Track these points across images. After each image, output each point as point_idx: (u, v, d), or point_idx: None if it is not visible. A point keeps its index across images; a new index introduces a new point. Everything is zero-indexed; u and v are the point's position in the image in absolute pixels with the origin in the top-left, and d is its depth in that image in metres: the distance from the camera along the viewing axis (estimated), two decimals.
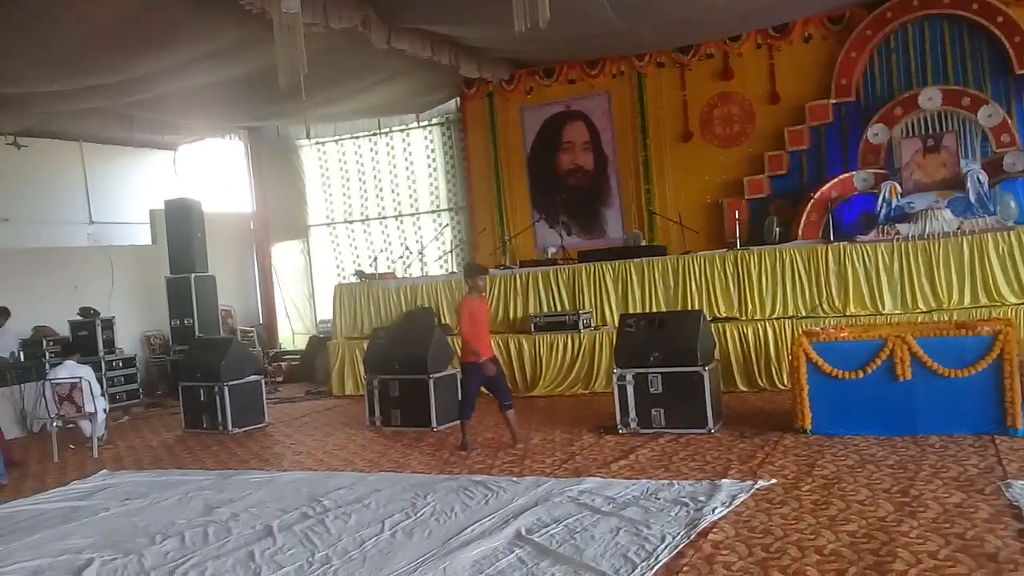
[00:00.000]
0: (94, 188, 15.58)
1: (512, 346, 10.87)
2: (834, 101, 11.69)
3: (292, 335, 16.68)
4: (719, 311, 10.07)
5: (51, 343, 11.94)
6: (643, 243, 12.09)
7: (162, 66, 10.03)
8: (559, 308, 11.02)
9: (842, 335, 7.59)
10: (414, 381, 9.02)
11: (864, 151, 11.30)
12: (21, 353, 11.65)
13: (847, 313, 9.47)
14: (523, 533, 5.08)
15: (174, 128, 14.82)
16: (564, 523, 5.22)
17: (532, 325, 10.88)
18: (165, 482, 7.55)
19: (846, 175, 11.12)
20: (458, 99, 14.50)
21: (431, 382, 8.94)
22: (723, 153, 12.56)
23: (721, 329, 9.63)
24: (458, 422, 8.98)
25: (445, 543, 5.06)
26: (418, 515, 5.71)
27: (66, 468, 8.61)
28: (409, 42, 10.74)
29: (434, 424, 8.88)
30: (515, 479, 6.46)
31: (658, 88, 12.94)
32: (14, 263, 12.68)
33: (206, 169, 17.25)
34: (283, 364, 14.88)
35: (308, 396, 12.40)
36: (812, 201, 11.11)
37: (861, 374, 6.89)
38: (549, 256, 12.43)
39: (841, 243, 9.71)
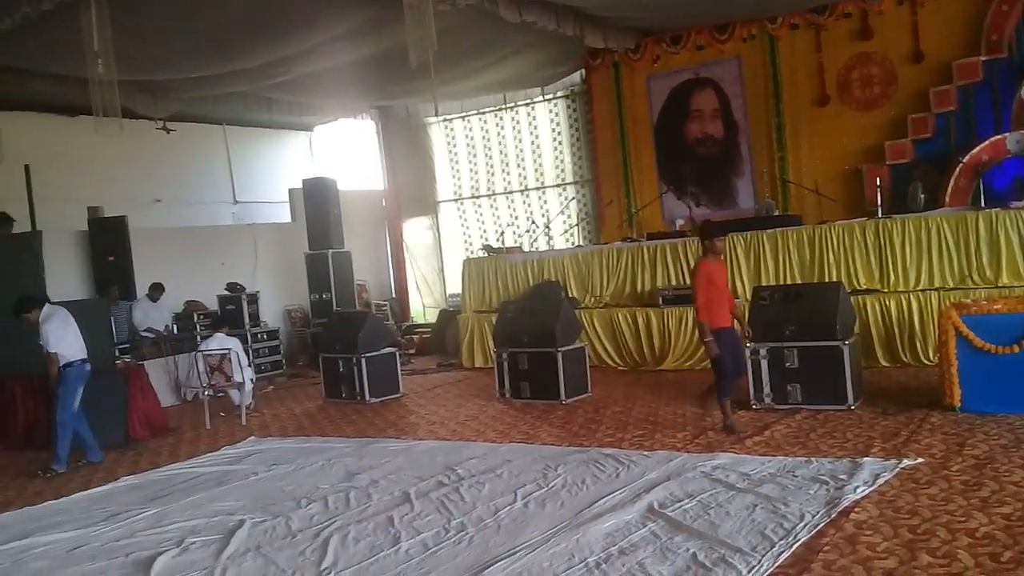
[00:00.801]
0: (237, 169, 16.42)
1: (640, 320, 10.78)
2: (984, 58, 10.95)
3: (423, 308, 17.11)
4: (859, 283, 9.65)
5: (201, 316, 12.67)
6: (776, 213, 11.69)
7: (299, 48, 10.41)
8: (687, 281, 10.82)
9: (995, 307, 7.12)
10: (543, 354, 9.09)
11: (1017, 111, 10.56)
12: (175, 326, 12.40)
13: (999, 284, 8.89)
14: (655, 507, 5.07)
15: (310, 109, 15.40)
16: (697, 498, 5.16)
17: (660, 298, 10.75)
18: (308, 449, 7.91)
19: (997, 137, 10.43)
20: (583, 71, 14.41)
21: (559, 355, 8.98)
22: (862, 117, 11.99)
23: (861, 302, 9.23)
24: (587, 395, 9.06)
25: (577, 515, 5.10)
26: (550, 486, 5.77)
27: (217, 434, 9.14)
28: (535, 14, 10.72)
29: (562, 397, 8.93)
30: (646, 453, 6.43)
31: (792, 51, 12.46)
32: (166, 241, 13.50)
33: (340, 149, 17.84)
34: (415, 337, 15.28)
35: (439, 368, 12.70)
36: (960, 166, 10.47)
37: (1016, 349, 6.47)
38: (677, 228, 12.21)
39: (993, 209, 9.10)
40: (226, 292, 13.25)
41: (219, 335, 10.14)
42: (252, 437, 8.74)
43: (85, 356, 8.09)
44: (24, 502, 6.86)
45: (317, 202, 13.89)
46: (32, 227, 9.90)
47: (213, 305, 13.18)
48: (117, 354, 10.15)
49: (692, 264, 7.82)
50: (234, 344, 9.96)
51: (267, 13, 9.09)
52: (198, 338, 11.55)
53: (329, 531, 5.28)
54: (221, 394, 10.19)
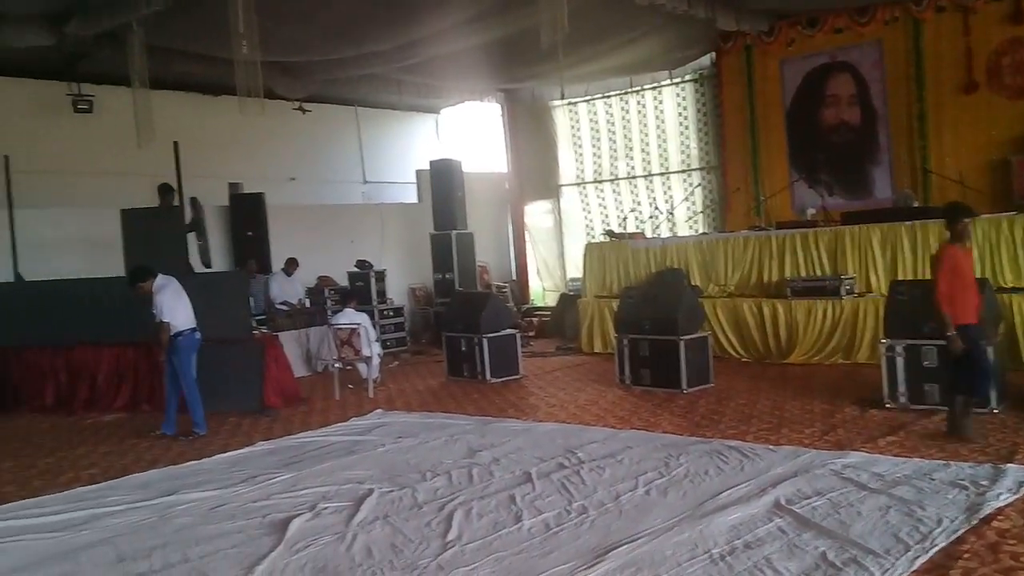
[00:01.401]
0: (368, 150, 16.91)
1: (766, 311, 10.52)
2: None
3: (543, 292, 17.21)
4: (1004, 280, 9.13)
5: (332, 292, 13.16)
6: (915, 204, 11.15)
7: (430, 31, 10.60)
8: (819, 273, 10.50)
9: None
10: (664, 342, 9.01)
11: None
12: (307, 300, 12.91)
13: None
14: (782, 503, 4.97)
15: (438, 92, 15.67)
16: (827, 496, 5.03)
17: (788, 290, 10.46)
18: (432, 424, 8.12)
19: None
20: (713, 54, 14.08)
21: (681, 344, 8.88)
22: (1013, 105, 11.28)
23: (1007, 300, 8.73)
24: (709, 385, 8.93)
25: (700, 505, 5.06)
26: (671, 475, 5.74)
27: (345, 406, 9.48)
28: None
29: (684, 386, 8.83)
30: (772, 447, 6.30)
31: (937, 34, 11.82)
32: (301, 218, 14.06)
33: (466, 131, 18.09)
34: (534, 320, 15.38)
35: (558, 351, 12.75)
36: None
37: None
38: (808, 217, 11.81)
39: None
40: (355, 269, 13.70)
41: (349, 310, 10.50)
42: (379, 410, 9.02)
43: (195, 325, 8.35)
44: (168, 462, 7.31)
45: (443, 184, 14.15)
46: (179, 201, 10.48)
47: (343, 281, 13.65)
48: (254, 325, 10.63)
49: (935, 250, 7.07)
50: (363, 319, 10.30)
51: None
52: (329, 312, 11.99)
53: (453, 505, 5.42)
54: (349, 367, 10.53)
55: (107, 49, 10.45)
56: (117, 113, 11.79)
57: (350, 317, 10.29)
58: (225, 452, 7.49)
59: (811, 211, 12.01)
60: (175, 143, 10.22)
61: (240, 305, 10.02)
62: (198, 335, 8.39)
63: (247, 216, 12.82)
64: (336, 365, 10.26)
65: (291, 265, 12.56)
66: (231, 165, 13.72)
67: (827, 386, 8.64)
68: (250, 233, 12.68)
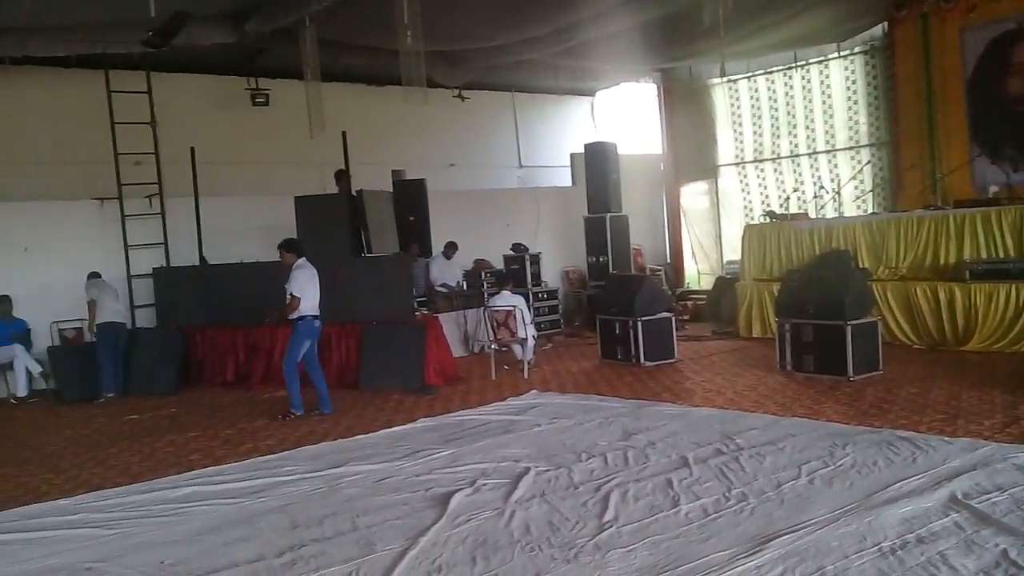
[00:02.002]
0: (523, 134, 17.11)
1: (942, 295, 9.91)
2: None
3: (698, 275, 16.88)
4: None
5: (488, 274, 13.43)
6: None
7: (589, 13, 10.56)
8: (1001, 255, 9.77)
9: None
10: (829, 327, 8.65)
11: None
12: (465, 282, 13.25)
13: None
14: (959, 497, 4.69)
15: (594, 75, 15.63)
16: (1008, 492, 4.71)
17: (967, 273, 9.80)
18: (586, 406, 8.16)
19: None
20: (885, 24, 13.29)
21: (849, 329, 8.49)
22: None
23: None
24: (878, 373, 8.52)
25: (868, 496, 4.85)
26: (837, 465, 5.52)
27: (501, 386, 9.68)
28: None
29: (850, 373, 8.45)
30: (947, 439, 5.95)
31: None
32: (459, 203, 14.41)
33: (621, 113, 17.95)
34: (689, 303, 15.14)
35: (714, 336, 12.51)
36: None
37: None
38: (990, 195, 10.99)
39: None
40: (511, 252, 13.91)
41: (505, 292, 10.69)
42: (534, 391, 9.15)
43: (317, 313, 8.53)
44: (337, 435, 7.71)
45: (597, 166, 14.09)
46: (348, 188, 10.98)
47: (498, 264, 13.90)
48: (415, 307, 11.01)
49: None
50: (519, 301, 10.46)
51: None
52: (485, 295, 12.25)
53: (609, 486, 5.44)
54: (505, 348, 10.74)
55: (282, 44, 11.07)
56: (290, 105, 12.47)
57: (507, 299, 10.47)
58: (389, 428, 7.82)
59: (994, 188, 11.18)
60: (343, 133, 10.69)
61: (404, 288, 10.40)
62: (318, 323, 8.60)
63: (409, 202, 13.25)
64: (492, 346, 10.48)
65: (450, 249, 12.92)
66: (394, 152, 14.21)
67: (1009, 375, 8.06)
68: (412, 218, 13.10)
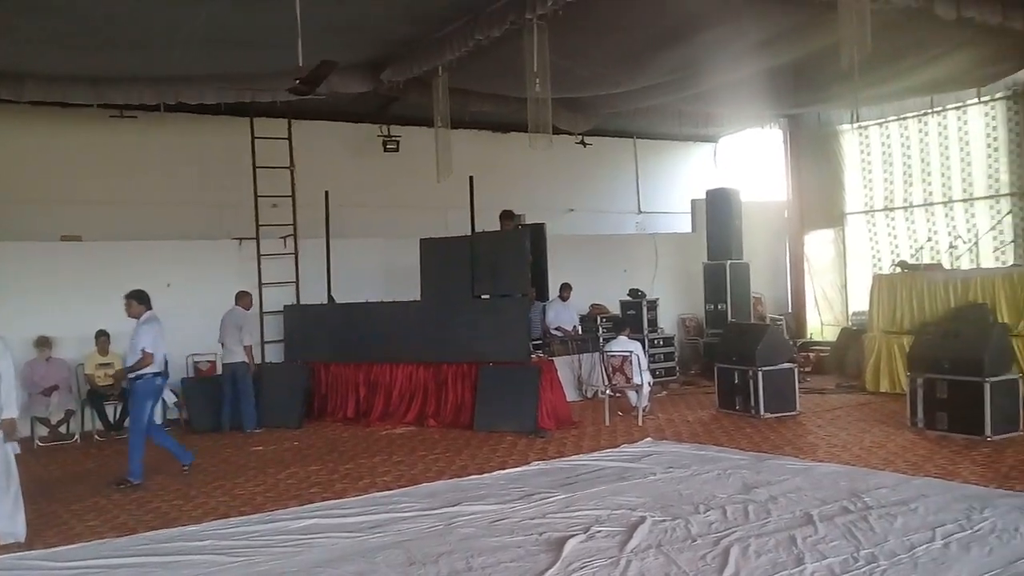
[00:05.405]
0: (643, 180, 17.10)
1: None
2: None
3: (820, 325, 16.32)
4: None
5: (604, 319, 13.39)
6: None
7: (716, 60, 10.52)
8: None
9: None
10: (966, 383, 8.22)
11: None
12: (580, 327, 13.25)
13: None
14: None
15: (717, 120, 15.49)
16: None
17: None
18: (703, 456, 7.99)
19: None
20: None
21: (987, 386, 8.05)
22: None
23: None
24: (1019, 432, 8.03)
25: (1010, 564, 4.56)
26: (975, 529, 5.23)
27: (615, 432, 9.59)
28: (975, 9, 9.68)
29: (988, 432, 8.00)
30: None
31: None
32: (577, 248, 14.48)
33: (744, 159, 17.71)
34: (811, 354, 14.63)
35: (839, 389, 12.04)
36: None
37: None
38: None
39: None
40: (628, 297, 13.84)
41: (622, 338, 10.65)
42: (648, 438, 9.03)
43: (161, 370, 8.09)
44: (452, 474, 7.79)
45: (719, 212, 13.92)
46: (472, 230, 11.23)
47: (614, 309, 13.84)
48: (531, 349, 11.08)
49: None
50: (635, 347, 10.39)
51: (690, 23, 9.29)
52: (601, 339, 12.21)
53: (729, 540, 5.30)
54: (619, 394, 10.66)
55: (413, 93, 11.48)
56: (418, 151, 12.88)
57: (623, 345, 10.41)
58: (503, 469, 7.86)
59: None
60: (470, 177, 10.97)
61: (521, 330, 10.49)
62: (159, 381, 8.09)
63: (529, 245, 13.41)
64: (607, 392, 10.41)
65: (566, 290, 12.96)
66: (516, 197, 14.43)
67: None
68: (531, 260, 13.24)
